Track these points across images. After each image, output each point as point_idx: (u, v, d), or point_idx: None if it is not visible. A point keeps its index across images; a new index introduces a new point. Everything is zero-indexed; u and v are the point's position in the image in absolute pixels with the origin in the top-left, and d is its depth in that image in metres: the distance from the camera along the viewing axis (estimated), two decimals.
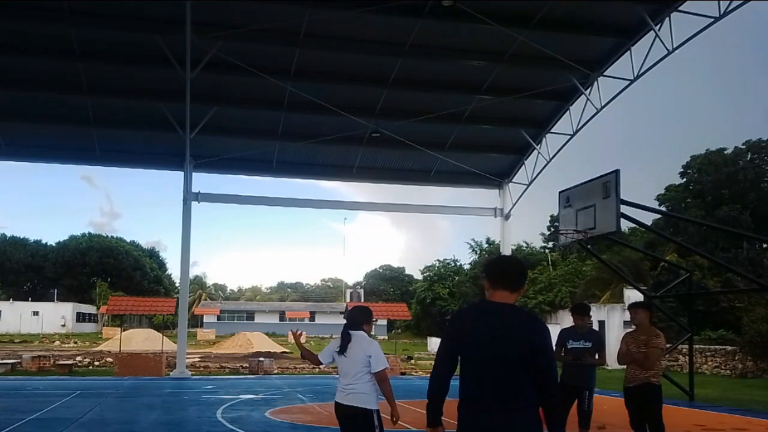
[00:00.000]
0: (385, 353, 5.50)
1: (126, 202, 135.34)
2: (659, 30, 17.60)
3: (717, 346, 25.52)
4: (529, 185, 24.69)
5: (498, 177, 25.42)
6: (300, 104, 21.04)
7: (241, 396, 15.62)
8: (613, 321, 27.78)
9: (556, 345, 8.09)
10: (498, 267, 3.47)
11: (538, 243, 56.95)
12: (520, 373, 3.24)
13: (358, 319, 5.36)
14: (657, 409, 7.09)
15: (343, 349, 5.21)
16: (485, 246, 56.71)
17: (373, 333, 5.46)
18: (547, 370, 3.27)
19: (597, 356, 7.97)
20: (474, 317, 3.44)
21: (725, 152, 40.79)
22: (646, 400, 7.08)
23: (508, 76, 20.82)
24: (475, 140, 24.16)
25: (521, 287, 3.41)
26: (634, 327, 7.44)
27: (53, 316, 62.48)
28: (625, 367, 7.50)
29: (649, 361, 7.03)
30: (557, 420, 3.39)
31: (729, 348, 24.76)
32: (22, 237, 76.89)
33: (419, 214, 73.77)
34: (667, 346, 7.63)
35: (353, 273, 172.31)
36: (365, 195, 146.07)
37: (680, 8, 17.21)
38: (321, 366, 5.56)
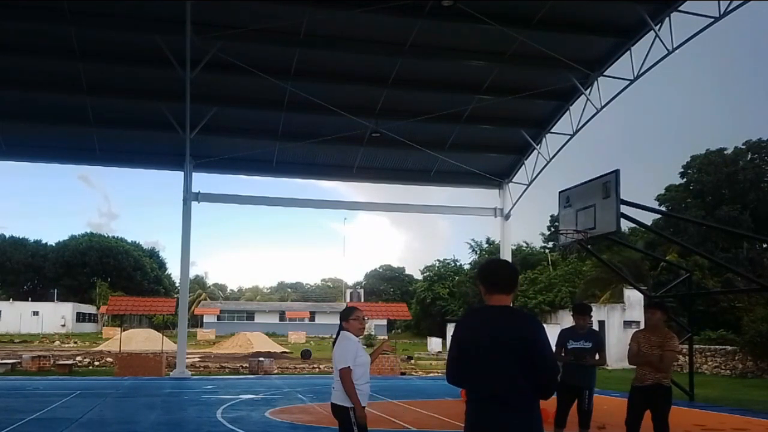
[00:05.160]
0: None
1: (124, 203, 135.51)
2: (659, 30, 17.59)
3: (717, 346, 25.52)
4: (529, 185, 24.68)
5: (498, 177, 25.41)
6: (300, 104, 21.03)
7: (241, 396, 15.63)
8: (613, 321, 27.78)
9: (556, 345, 8.09)
10: (490, 273, 3.61)
11: (538, 243, 57.06)
12: (518, 371, 3.33)
13: (342, 318, 5.62)
14: (666, 410, 7.03)
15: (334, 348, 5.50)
16: (485, 246, 56.74)
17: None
18: (540, 366, 3.34)
19: (597, 356, 7.98)
20: (473, 321, 3.63)
21: (725, 152, 40.82)
22: (656, 400, 7.01)
23: (508, 76, 20.81)
24: (475, 140, 24.15)
25: (515, 288, 3.59)
26: (644, 326, 7.34)
27: (53, 316, 62.51)
28: (627, 365, 7.43)
29: (664, 364, 6.95)
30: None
31: (729, 348, 24.75)
32: (22, 237, 77.03)
33: (419, 214, 73.73)
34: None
35: (353, 273, 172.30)
36: (365, 195, 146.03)
37: (680, 8, 17.19)
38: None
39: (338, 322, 5.64)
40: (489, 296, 3.53)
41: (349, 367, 5.27)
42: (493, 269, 3.65)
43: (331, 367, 5.61)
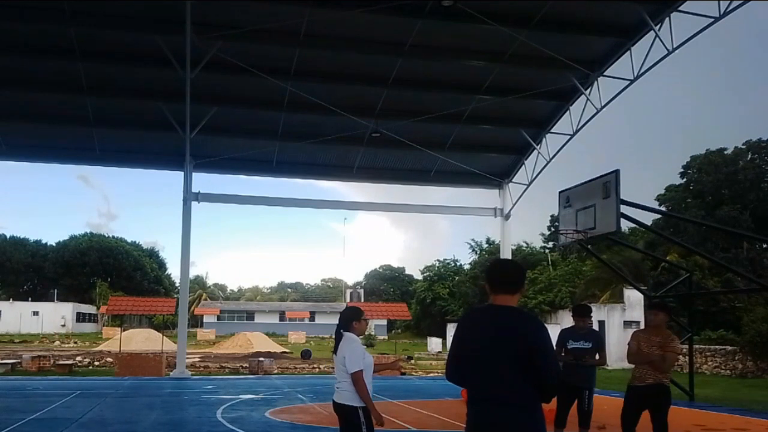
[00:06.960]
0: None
1: (123, 203, 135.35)
2: (659, 30, 17.58)
3: (717, 346, 25.53)
4: (529, 185, 24.68)
5: (498, 177, 25.40)
6: (300, 104, 21.03)
7: (241, 396, 15.63)
8: (613, 321, 27.79)
9: (556, 345, 8.09)
10: (497, 272, 3.59)
11: (538, 243, 57.04)
12: (520, 371, 3.32)
13: (348, 318, 5.60)
14: (666, 410, 7.01)
15: (335, 349, 5.52)
16: (485, 246, 56.77)
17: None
18: (542, 367, 3.33)
19: (597, 356, 7.98)
20: (476, 320, 3.60)
21: (725, 152, 40.82)
22: (658, 400, 6.96)
23: (508, 76, 20.80)
24: (475, 140, 24.15)
25: (521, 288, 3.55)
26: (644, 326, 7.35)
27: (53, 316, 62.52)
28: (627, 365, 7.40)
29: (666, 364, 6.94)
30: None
31: (729, 348, 24.76)
32: (22, 237, 77.03)
33: (419, 214, 73.82)
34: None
35: (353, 273, 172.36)
36: (365, 195, 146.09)
37: (680, 8, 17.18)
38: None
39: (338, 322, 5.63)
40: (494, 296, 3.51)
41: (362, 369, 5.34)
42: (500, 269, 3.63)
43: (332, 367, 5.64)
